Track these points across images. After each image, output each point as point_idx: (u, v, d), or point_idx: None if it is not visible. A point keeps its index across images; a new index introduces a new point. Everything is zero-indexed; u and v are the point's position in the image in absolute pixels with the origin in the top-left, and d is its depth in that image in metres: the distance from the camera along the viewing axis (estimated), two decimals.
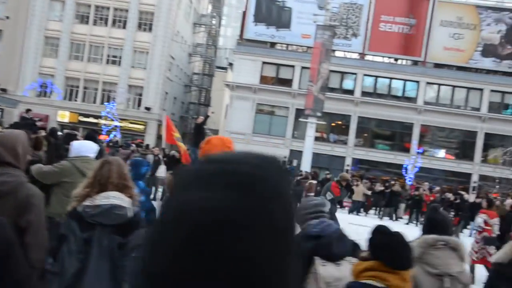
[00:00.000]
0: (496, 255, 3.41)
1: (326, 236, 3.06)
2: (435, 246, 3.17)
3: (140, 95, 40.60)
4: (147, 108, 39.69)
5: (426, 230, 3.38)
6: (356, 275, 2.54)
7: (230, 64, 46.26)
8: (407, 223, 22.15)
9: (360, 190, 23.23)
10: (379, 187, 25.03)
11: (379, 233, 2.67)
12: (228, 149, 3.18)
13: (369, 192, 23.70)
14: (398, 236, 2.58)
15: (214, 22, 51.78)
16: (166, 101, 42.13)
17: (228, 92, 41.08)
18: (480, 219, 10.55)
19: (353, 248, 3.07)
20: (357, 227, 11.97)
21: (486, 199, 11.84)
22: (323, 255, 2.86)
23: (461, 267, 3.18)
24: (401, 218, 23.63)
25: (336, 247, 3.00)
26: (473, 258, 9.95)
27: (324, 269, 2.88)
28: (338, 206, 17.07)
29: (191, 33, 48.05)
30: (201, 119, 14.58)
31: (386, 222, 21.04)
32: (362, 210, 23.63)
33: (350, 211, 22.72)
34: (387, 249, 2.50)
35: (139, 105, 40.60)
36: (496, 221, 10.52)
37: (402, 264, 2.48)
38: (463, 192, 24.78)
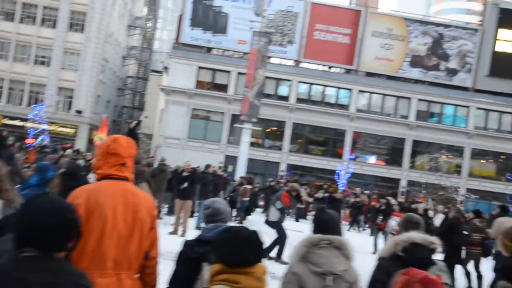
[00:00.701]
0: (381, 251, 3.48)
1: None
2: (319, 245, 3.17)
3: (71, 97, 39.19)
4: (78, 111, 38.35)
5: (314, 230, 3.40)
6: (209, 280, 2.44)
7: (166, 68, 45.59)
8: (348, 229, 22.66)
9: (304, 199, 23.49)
10: (320, 193, 25.37)
11: (220, 232, 2.63)
12: (132, 151, 3.15)
13: (311, 199, 23.81)
14: (236, 233, 2.49)
15: (149, 24, 50.88)
16: (98, 104, 40.91)
17: (163, 96, 40.46)
18: (393, 222, 10.68)
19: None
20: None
21: (398, 203, 12.24)
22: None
23: (346, 266, 3.20)
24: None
25: None
26: None
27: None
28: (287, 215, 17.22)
29: (125, 35, 47.00)
30: (134, 123, 14.21)
31: None
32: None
33: (297, 219, 22.85)
34: (223, 247, 2.43)
35: (69, 108, 39.16)
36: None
37: (240, 260, 2.38)
38: (389, 198, 25.65)
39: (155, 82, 48.99)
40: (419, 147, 38.56)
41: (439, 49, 38.99)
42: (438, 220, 15.09)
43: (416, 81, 39.35)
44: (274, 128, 38.16)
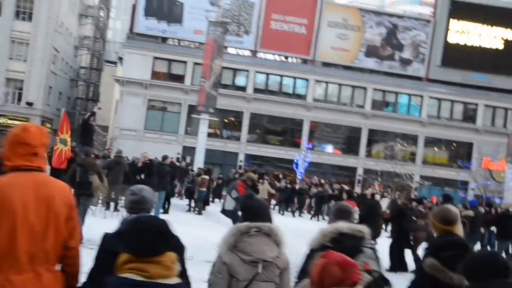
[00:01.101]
0: (310, 241, 3.52)
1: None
2: (248, 233, 3.14)
3: (21, 89, 37.82)
4: (29, 103, 37.06)
5: (243, 218, 3.37)
6: (117, 269, 2.40)
7: (120, 59, 44.57)
8: (311, 218, 22.83)
9: (265, 188, 23.41)
10: (283, 183, 25.40)
11: (128, 222, 2.61)
12: (44, 140, 2.98)
13: (273, 191, 23.49)
14: (143, 222, 2.45)
15: (102, 14, 49.53)
16: (50, 96, 39.65)
17: (118, 87, 39.62)
18: None
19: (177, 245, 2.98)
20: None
21: (345, 190, 12.52)
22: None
23: (277, 252, 3.18)
24: (303, 213, 24.24)
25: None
26: None
27: None
28: None
29: (76, 25, 45.59)
30: (87, 115, 13.82)
31: (288, 218, 21.49)
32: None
33: None
34: (130, 236, 2.40)
35: (19, 100, 37.79)
36: (356, 209, 10.78)
37: (146, 249, 2.33)
38: (344, 186, 26.09)
39: (110, 73, 47.81)
40: (375, 136, 39.24)
41: (393, 40, 39.66)
42: (384, 204, 15.58)
43: (372, 71, 39.93)
44: (232, 119, 38.02)
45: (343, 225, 3.36)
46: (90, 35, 47.39)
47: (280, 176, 27.10)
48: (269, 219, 3.33)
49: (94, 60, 48.63)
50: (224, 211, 12.09)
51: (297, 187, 25.68)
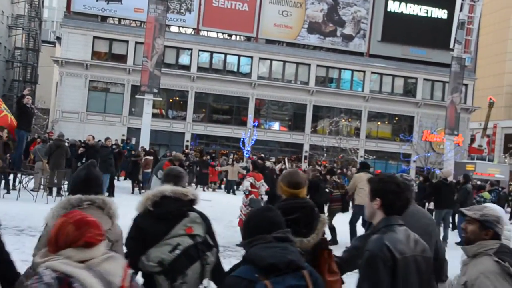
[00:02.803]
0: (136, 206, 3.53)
1: None
2: (80, 206, 3.09)
3: None
4: None
5: (71, 191, 3.36)
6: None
7: (58, 39, 42.97)
8: None
9: (236, 169, 23.35)
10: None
11: None
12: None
13: (244, 171, 23.16)
14: None
15: None
16: None
17: (57, 68, 38.22)
18: (247, 182, 10.80)
19: None
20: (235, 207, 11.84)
21: (251, 162, 12.48)
22: None
23: (109, 225, 3.18)
24: None
25: None
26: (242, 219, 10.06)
27: None
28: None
29: (8, 3, 43.46)
30: (18, 98, 13.31)
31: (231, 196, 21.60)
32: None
33: (226, 190, 23.18)
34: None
35: None
36: (262, 182, 10.89)
37: None
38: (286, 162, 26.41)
39: (48, 54, 46.07)
40: (320, 112, 39.80)
41: (335, 16, 40.06)
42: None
43: (315, 48, 40.30)
44: (176, 98, 37.57)
45: (167, 188, 3.31)
46: (24, 14, 45.30)
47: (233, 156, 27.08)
48: (101, 191, 3.31)
49: (30, 40, 46.63)
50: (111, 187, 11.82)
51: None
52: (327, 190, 11.88)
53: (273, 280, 2.27)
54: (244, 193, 10.71)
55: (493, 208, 3.18)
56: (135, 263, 2.37)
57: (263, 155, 24.89)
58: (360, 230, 10.30)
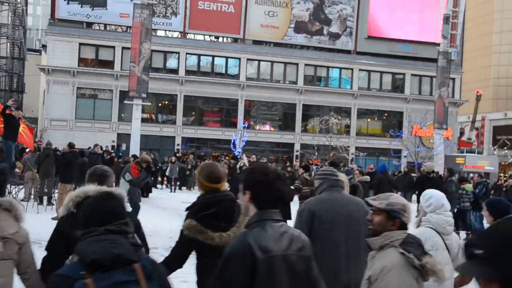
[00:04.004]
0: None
1: None
2: None
3: None
4: None
5: None
6: None
7: (44, 46, 42.62)
8: None
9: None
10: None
11: None
12: None
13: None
14: None
15: None
16: None
17: (44, 76, 37.92)
18: None
19: None
20: None
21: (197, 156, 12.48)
22: None
23: (16, 228, 3.16)
24: None
25: None
26: None
27: None
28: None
29: None
30: (1, 109, 13.10)
31: None
32: None
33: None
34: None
35: None
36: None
37: None
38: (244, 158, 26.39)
39: (34, 62, 45.69)
40: (309, 111, 39.85)
41: (321, 14, 40.14)
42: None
43: (302, 47, 40.34)
44: (166, 102, 37.44)
45: (90, 188, 3.24)
46: (7, 22, 44.86)
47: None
48: (3, 193, 3.29)
49: (15, 49, 46.18)
50: None
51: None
52: (292, 187, 11.56)
53: (97, 277, 2.08)
54: None
55: (399, 197, 3.02)
56: (57, 267, 2.28)
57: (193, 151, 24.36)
58: None
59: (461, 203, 14.44)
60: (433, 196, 4.35)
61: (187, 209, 3.48)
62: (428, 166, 13.93)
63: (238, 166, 11.92)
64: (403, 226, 2.89)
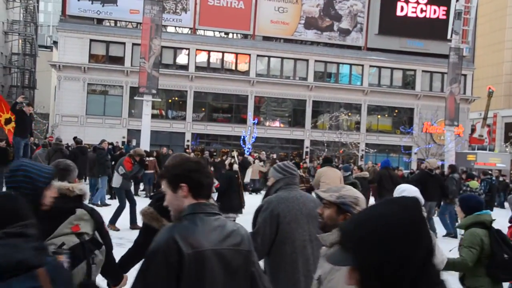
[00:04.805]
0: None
1: None
2: None
3: None
4: None
5: None
6: None
7: (55, 43, 42.90)
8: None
9: (256, 167, 22.96)
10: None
11: None
12: None
13: (265, 169, 22.39)
14: None
15: None
16: None
17: (55, 73, 38.18)
18: None
19: None
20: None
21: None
22: None
23: None
24: None
25: None
26: None
27: None
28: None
29: (3, 8, 43.38)
30: (12, 104, 13.16)
31: None
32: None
33: (253, 192, 21.75)
34: None
35: None
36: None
37: None
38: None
39: (45, 58, 45.99)
40: (319, 107, 39.74)
41: (331, 10, 39.95)
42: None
43: (312, 43, 40.20)
44: (176, 98, 37.53)
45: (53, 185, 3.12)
46: (19, 19, 45.22)
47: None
48: None
49: (27, 45, 46.55)
50: (111, 189, 11.55)
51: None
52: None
53: None
54: None
55: (352, 189, 2.77)
56: None
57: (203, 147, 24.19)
58: None
59: None
60: (406, 190, 4.25)
61: (151, 197, 3.42)
62: (431, 163, 13.46)
63: (227, 162, 11.82)
64: None
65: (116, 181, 11.60)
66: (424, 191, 12.89)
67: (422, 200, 4.21)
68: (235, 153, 17.13)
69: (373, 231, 1.34)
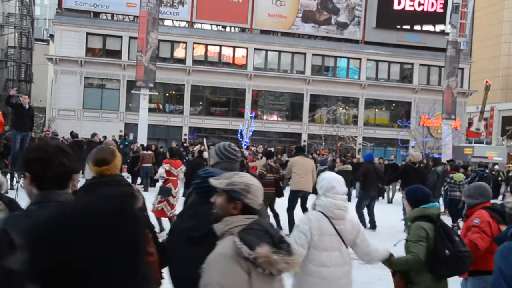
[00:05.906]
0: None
1: None
2: None
3: None
4: None
5: None
6: None
7: (51, 36, 42.69)
8: None
9: (263, 162, 22.75)
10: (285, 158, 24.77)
11: None
12: None
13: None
14: None
15: None
16: None
17: (51, 66, 38.03)
18: (161, 169, 10.51)
19: None
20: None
21: (168, 149, 12.13)
22: None
23: None
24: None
25: None
26: (154, 210, 9.87)
27: None
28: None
29: None
30: (6, 97, 13.09)
31: None
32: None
33: None
34: None
35: None
36: (181, 169, 10.74)
37: None
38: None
39: (42, 52, 45.76)
40: (317, 101, 39.71)
41: (328, 4, 39.84)
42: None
43: (309, 37, 40.11)
44: (173, 92, 37.45)
45: (2, 180, 3.17)
46: (15, 12, 44.93)
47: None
48: None
49: (23, 38, 46.28)
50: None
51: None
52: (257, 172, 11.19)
53: None
54: (161, 180, 10.59)
55: (246, 176, 2.57)
56: None
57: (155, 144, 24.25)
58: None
59: (449, 192, 14.32)
60: (326, 178, 4.14)
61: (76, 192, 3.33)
62: (414, 156, 13.51)
63: (196, 149, 11.72)
64: (250, 210, 2.45)
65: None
66: (406, 183, 13.05)
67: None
68: (205, 141, 17.01)
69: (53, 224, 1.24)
